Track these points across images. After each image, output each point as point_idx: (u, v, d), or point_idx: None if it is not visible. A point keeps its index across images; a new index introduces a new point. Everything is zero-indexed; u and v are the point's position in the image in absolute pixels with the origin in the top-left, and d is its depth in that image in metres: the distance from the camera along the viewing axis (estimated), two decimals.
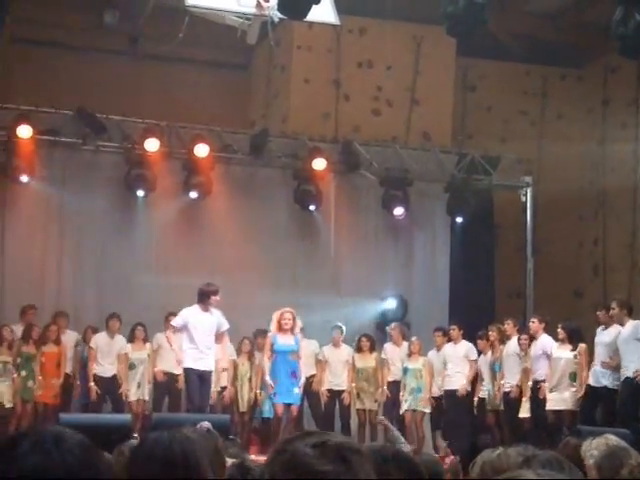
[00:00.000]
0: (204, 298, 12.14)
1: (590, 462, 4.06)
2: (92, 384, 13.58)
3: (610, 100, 17.54)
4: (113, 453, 4.27)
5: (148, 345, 13.73)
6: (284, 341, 12.36)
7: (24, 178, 14.48)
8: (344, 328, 14.43)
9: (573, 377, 12.50)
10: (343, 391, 14.09)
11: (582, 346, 12.46)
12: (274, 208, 15.92)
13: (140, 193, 15.07)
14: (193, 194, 15.28)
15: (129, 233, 15.32)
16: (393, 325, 14.76)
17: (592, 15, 14.85)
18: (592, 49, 17.21)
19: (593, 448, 4.03)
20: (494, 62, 17.70)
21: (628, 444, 4.22)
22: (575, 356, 12.46)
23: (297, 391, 12.49)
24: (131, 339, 13.74)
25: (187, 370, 12.14)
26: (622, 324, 12.14)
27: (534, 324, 13.05)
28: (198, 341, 12.04)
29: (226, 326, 12.23)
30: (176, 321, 12.22)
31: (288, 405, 12.39)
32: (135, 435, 10.92)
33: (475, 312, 16.13)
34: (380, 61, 16.68)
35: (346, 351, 14.26)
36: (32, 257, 14.92)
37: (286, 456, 1.96)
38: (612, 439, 4.06)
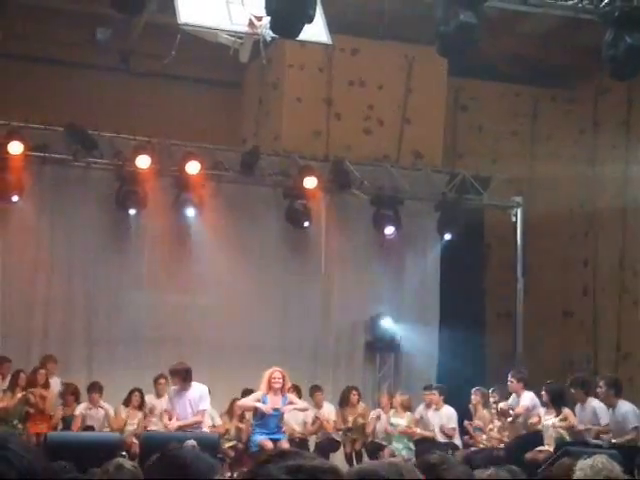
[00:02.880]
0: (173, 378, 12.25)
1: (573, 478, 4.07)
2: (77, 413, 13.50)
3: (600, 121, 17.62)
4: (99, 471, 4.25)
5: (140, 414, 13.62)
6: (273, 404, 12.17)
7: (14, 194, 14.44)
8: (322, 388, 14.48)
9: (561, 441, 11.80)
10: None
11: (566, 412, 11.89)
12: (265, 226, 15.92)
13: (131, 210, 15.05)
14: (184, 211, 15.27)
15: (119, 250, 15.27)
16: (383, 394, 14.87)
17: (583, 37, 14.92)
18: (583, 71, 17.30)
19: (579, 468, 4.04)
20: (485, 83, 17.78)
21: (618, 464, 4.21)
22: (561, 420, 11.88)
23: (282, 434, 12.49)
24: (127, 403, 13.68)
25: None
26: (612, 405, 11.48)
27: (512, 384, 12.68)
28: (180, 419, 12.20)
29: (203, 407, 12.15)
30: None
31: (276, 440, 12.23)
32: (124, 453, 10.89)
33: (465, 331, 16.14)
34: (372, 80, 16.73)
35: (328, 410, 14.24)
36: (22, 273, 14.86)
37: None
38: (599, 461, 4.05)
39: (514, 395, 12.73)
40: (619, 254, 16.81)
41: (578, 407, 11.92)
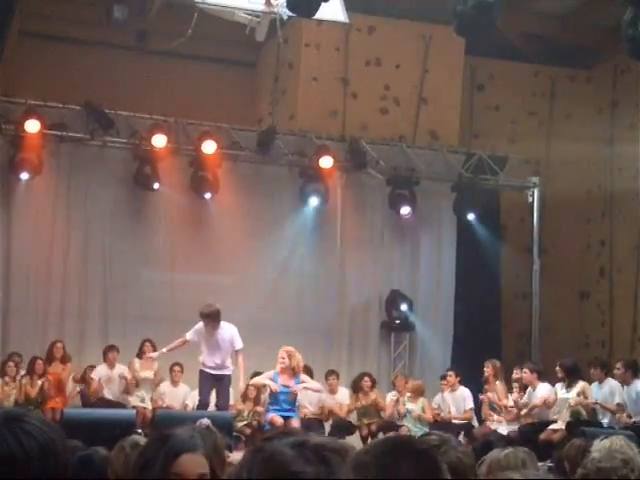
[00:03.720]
0: (204, 320, 12.28)
1: (587, 460, 4.04)
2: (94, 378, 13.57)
3: (619, 101, 17.48)
4: (114, 448, 4.26)
5: (156, 365, 13.72)
6: (283, 382, 12.13)
7: (31, 173, 14.48)
8: (338, 373, 14.47)
9: (576, 415, 12.08)
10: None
11: (583, 384, 12.19)
12: (280, 205, 15.92)
13: (147, 189, 15.07)
14: (200, 191, 15.27)
15: (135, 229, 15.32)
16: (397, 374, 14.90)
17: (602, 16, 14.80)
18: (601, 50, 17.16)
19: (596, 449, 4.00)
20: (503, 62, 17.66)
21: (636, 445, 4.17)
22: (578, 394, 12.15)
23: (294, 413, 12.43)
24: (139, 355, 13.75)
25: (200, 371, 12.36)
26: (627, 384, 11.92)
27: (526, 375, 12.71)
28: (209, 355, 12.27)
29: (238, 346, 12.28)
30: (189, 334, 12.47)
31: (287, 418, 12.15)
32: (139, 431, 10.94)
33: (480, 312, 16.13)
34: (388, 60, 16.65)
35: (343, 395, 14.24)
36: (39, 251, 14.91)
37: (264, 455, 1.91)
38: (617, 443, 4.02)
39: (530, 389, 12.74)
40: (636, 234, 16.71)
41: (595, 385, 12.24)
